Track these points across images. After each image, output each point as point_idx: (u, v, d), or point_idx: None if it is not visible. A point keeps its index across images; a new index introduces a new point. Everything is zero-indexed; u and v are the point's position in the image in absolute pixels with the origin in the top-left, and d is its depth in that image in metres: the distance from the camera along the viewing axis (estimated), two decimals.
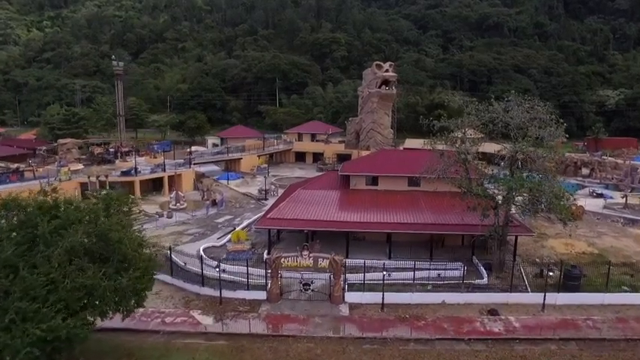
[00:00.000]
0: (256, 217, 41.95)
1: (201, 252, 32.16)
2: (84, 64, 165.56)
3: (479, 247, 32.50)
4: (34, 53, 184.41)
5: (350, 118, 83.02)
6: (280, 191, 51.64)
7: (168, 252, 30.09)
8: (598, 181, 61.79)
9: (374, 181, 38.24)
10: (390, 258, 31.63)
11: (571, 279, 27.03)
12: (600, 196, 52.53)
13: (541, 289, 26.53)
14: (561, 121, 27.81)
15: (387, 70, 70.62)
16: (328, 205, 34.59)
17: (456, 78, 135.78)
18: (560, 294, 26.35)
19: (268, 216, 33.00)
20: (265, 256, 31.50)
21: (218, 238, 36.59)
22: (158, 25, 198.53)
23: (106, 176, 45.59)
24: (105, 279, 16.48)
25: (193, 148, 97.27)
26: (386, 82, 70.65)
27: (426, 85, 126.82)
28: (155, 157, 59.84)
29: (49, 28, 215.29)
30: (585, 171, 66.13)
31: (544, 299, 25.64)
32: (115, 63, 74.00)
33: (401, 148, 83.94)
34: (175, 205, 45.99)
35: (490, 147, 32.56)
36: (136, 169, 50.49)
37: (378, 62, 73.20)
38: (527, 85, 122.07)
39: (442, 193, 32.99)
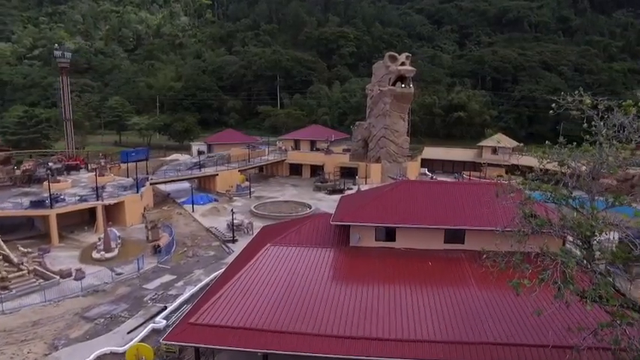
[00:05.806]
0: (208, 279, 27.67)
1: None
2: (74, 61, 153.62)
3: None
4: (25, 50, 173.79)
5: (357, 123, 68.32)
6: (257, 225, 37.41)
7: None
8: None
9: (389, 234, 23.51)
10: None
11: None
12: None
13: None
14: None
15: (402, 63, 56.03)
16: (309, 288, 19.60)
17: (477, 76, 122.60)
18: None
19: (192, 319, 17.74)
20: None
21: (128, 333, 22.18)
22: (156, 20, 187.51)
23: None
24: None
25: (173, 156, 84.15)
26: (402, 78, 56.16)
27: (443, 83, 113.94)
28: (102, 175, 45.61)
29: (44, 25, 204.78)
30: None
31: None
32: (57, 53, 58.67)
33: (419, 159, 69.30)
34: (100, 254, 31.63)
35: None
36: (51, 197, 35.30)
37: (391, 53, 58.36)
38: (557, 83, 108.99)
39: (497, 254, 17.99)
